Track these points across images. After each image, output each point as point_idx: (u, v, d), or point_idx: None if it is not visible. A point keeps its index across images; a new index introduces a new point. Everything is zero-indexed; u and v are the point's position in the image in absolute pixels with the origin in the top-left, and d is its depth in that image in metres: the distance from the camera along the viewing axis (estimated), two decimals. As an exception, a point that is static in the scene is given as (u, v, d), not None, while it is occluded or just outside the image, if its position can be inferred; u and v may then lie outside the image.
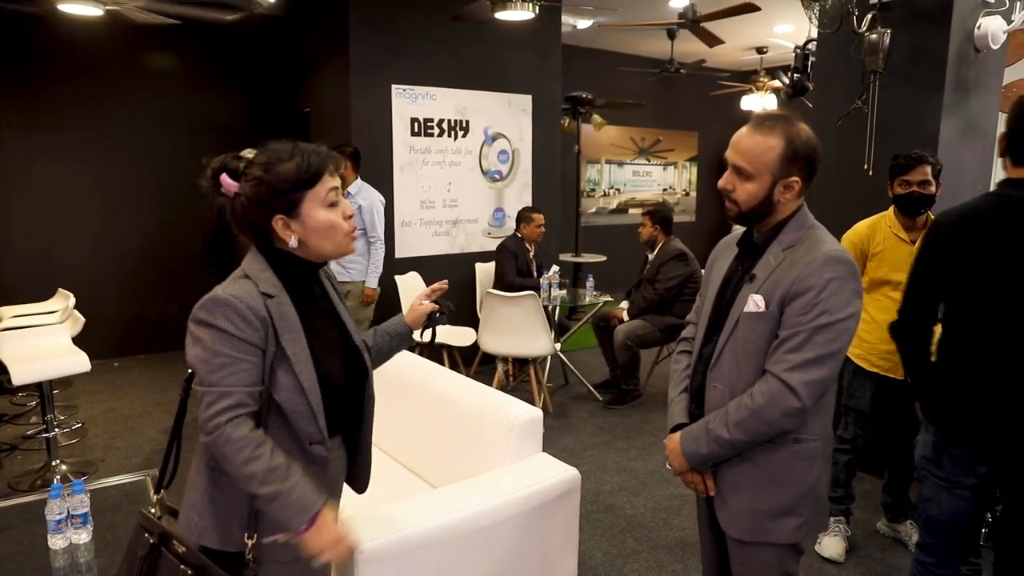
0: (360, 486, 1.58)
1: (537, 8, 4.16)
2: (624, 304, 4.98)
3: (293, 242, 1.34)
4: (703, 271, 1.89)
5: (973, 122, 3.47)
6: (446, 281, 1.70)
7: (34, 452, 3.92)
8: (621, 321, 4.81)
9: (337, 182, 1.37)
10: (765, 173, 1.53)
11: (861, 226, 2.90)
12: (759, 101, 8.34)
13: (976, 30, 3.31)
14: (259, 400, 1.31)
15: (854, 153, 3.54)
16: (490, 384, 3.93)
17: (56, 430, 3.67)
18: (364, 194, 4.37)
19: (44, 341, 3.72)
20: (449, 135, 5.39)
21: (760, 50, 8.47)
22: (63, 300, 4.27)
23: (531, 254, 5.15)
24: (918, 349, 1.95)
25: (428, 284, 5.40)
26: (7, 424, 4.38)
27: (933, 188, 2.69)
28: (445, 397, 2.55)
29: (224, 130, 5.88)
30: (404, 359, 2.79)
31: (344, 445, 1.52)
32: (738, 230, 1.73)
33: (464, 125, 5.45)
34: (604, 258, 7.73)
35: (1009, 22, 3.39)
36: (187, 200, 5.25)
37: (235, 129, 5.91)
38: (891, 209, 2.82)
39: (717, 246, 1.81)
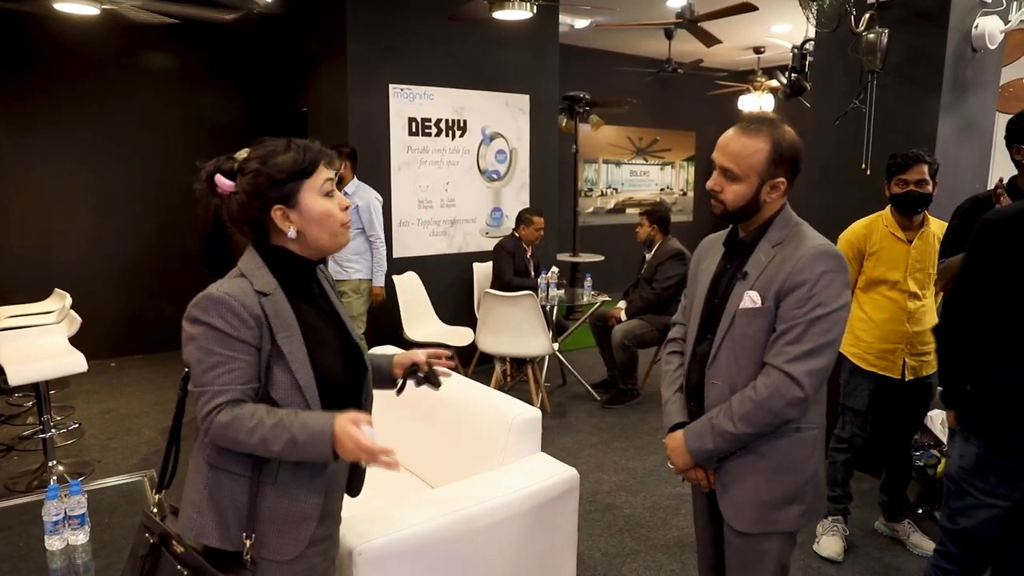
0: (354, 490, 1.56)
1: (535, 8, 4.16)
2: (622, 304, 4.98)
3: (292, 232, 1.35)
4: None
5: (970, 122, 3.47)
6: (452, 353, 1.67)
7: (31, 453, 3.91)
8: (619, 321, 4.81)
9: (331, 174, 1.40)
10: (752, 175, 1.59)
11: (858, 225, 2.90)
12: (757, 101, 8.34)
13: (973, 30, 3.32)
14: (254, 398, 1.31)
15: (852, 153, 3.54)
16: (488, 384, 3.93)
17: (53, 431, 3.66)
18: (361, 193, 4.36)
19: (41, 341, 3.70)
20: (447, 135, 5.38)
21: (758, 50, 8.47)
22: (60, 300, 4.25)
23: (528, 254, 5.16)
24: (964, 356, 1.84)
25: (425, 284, 5.41)
26: (3, 425, 4.37)
27: (930, 187, 2.70)
28: (443, 397, 2.51)
29: (221, 130, 5.87)
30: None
31: None
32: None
33: (462, 125, 5.45)
34: (602, 258, 7.74)
35: (1006, 22, 3.40)
36: (184, 200, 5.16)
37: (232, 129, 5.90)
38: (888, 208, 2.82)
39: (700, 246, 1.85)
